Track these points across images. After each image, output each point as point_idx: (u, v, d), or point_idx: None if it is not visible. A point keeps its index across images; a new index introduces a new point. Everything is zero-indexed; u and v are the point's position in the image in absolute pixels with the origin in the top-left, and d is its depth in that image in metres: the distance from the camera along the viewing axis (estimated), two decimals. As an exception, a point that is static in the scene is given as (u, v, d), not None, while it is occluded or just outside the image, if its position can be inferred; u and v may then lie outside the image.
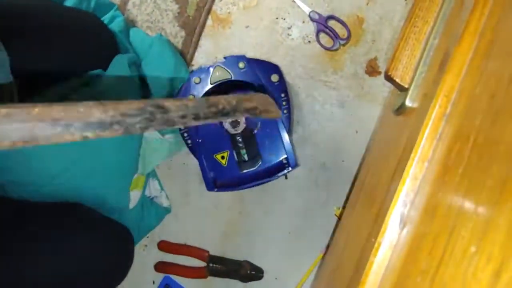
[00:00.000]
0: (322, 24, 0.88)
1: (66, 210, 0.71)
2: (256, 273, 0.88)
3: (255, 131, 0.83)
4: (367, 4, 0.88)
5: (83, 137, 0.26)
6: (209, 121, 0.33)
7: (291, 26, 0.90)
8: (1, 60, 0.44)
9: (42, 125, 0.25)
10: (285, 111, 0.82)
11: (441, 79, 0.33)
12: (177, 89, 0.84)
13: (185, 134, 0.84)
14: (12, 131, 0.24)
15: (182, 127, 0.82)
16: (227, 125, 0.84)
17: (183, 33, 0.93)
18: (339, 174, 0.88)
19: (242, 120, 0.84)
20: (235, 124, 0.84)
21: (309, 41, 0.90)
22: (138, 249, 0.89)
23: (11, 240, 0.62)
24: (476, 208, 0.24)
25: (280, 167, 0.82)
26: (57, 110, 0.26)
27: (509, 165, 0.22)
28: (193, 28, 0.92)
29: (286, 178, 0.89)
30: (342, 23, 0.88)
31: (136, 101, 0.29)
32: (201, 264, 0.90)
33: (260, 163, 0.83)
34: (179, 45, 0.93)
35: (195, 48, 0.93)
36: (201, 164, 0.83)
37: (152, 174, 0.90)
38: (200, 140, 0.83)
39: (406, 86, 0.43)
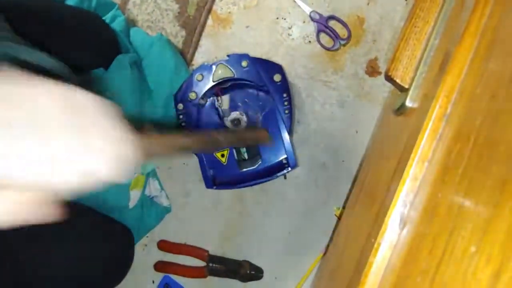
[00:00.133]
0: (323, 24, 0.88)
1: (66, 209, 0.71)
2: (255, 273, 0.88)
3: None
4: (368, 4, 0.88)
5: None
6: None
7: (291, 26, 0.90)
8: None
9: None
10: (286, 111, 0.82)
11: (441, 79, 0.33)
12: (176, 89, 0.84)
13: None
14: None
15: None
16: (228, 123, 0.84)
17: (183, 33, 0.93)
18: (339, 174, 0.88)
19: (243, 119, 0.84)
20: (236, 122, 0.84)
21: (310, 41, 0.89)
22: (137, 248, 0.89)
23: (10, 239, 0.62)
24: (476, 208, 0.24)
25: (280, 167, 0.82)
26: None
27: (509, 166, 0.22)
28: (194, 28, 0.92)
29: (285, 178, 0.89)
30: (343, 23, 0.88)
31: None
32: (201, 263, 0.90)
33: (260, 162, 0.83)
34: (180, 45, 0.93)
35: (196, 48, 0.93)
36: (200, 162, 0.83)
37: (152, 174, 0.90)
38: None
39: (407, 86, 0.43)
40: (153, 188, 0.90)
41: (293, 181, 0.89)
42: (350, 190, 0.86)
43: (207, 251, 0.90)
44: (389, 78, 0.44)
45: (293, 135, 0.89)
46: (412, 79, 0.42)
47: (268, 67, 0.82)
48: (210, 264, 0.89)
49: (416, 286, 0.27)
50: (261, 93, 0.85)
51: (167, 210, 0.91)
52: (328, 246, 0.86)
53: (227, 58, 0.82)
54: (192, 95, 0.83)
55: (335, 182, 0.88)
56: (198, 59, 0.93)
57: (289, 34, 0.90)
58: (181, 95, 0.83)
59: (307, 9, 0.89)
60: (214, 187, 0.83)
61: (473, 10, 0.33)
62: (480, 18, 0.32)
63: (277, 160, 0.82)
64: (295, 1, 0.89)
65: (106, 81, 0.76)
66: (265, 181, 0.83)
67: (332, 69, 0.89)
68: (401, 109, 0.44)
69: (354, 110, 0.88)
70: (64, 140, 0.26)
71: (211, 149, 0.44)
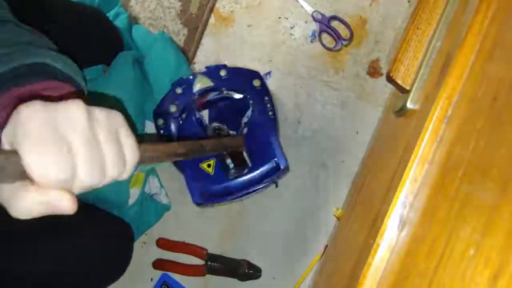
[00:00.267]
0: (325, 24, 0.88)
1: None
2: (254, 272, 0.88)
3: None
4: (370, 5, 0.88)
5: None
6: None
7: (293, 26, 0.90)
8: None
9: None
10: (270, 113, 0.82)
11: (443, 81, 0.33)
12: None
13: None
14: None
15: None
16: (210, 131, 0.83)
17: (185, 31, 0.93)
18: (339, 174, 0.88)
19: (224, 128, 0.83)
20: (218, 132, 0.83)
21: (312, 41, 0.89)
22: (136, 246, 0.89)
23: (9, 235, 0.62)
24: (475, 211, 0.24)
25: (271, 169, 0.81)
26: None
27: (509, 169, 0.22)
28: (196, 26, 0.92)
29: (276, 186, 0.87)
30: (345, 23, 0.88)
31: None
32: (200, 262, 0.90)
33: (247, 169, 0.81)
34: (181, 43, 0.93)
35: (197, 46, 0.93)
36: (186, 176, 0.82)
37: (152, 172, 0.90)
38: None
39: (408, 88, 0.43)
40: (153, 185, 0.90)
41: (293, 181, 0.89)
42: (350, 190, 0.86)
43: (206, 250, 0.90)
44: (390, 79, 0.44)
45: (293, 135, 0.89)
46: (414, 81, 0.42)
47: (247, 73, 0.84)
48: (209, 263, 0.89)
49: (414, 288, 0.27)
50: (241, 101, 0.84)
51: (167, 208, 0.91)
52: (326, 246, 0.86)
53: (205, 69, 0.83)
54: (172, 108, 0.83)
55: (335, 182, 0.88)
56: (200, 57, 0.93)
57: (291, 34, 0.90)
58: (161, 110, 0.83)
59: (310, 9, 0.89)
60: (203, 202, 0.81)
61: (475, 13, 0.33)
62: (482, 20, 0.32)
63: (266, 163, 0.81)
64: (297, 1, 0.89)
65: (107, 77, 0.76)
66: (258, 190, 0.81)
67: (333, 70, 0.89)
68: (402, 111, 0.44)
69: (355, 111, 0.88)
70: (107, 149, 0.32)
71: (197, 155, 0.49)
